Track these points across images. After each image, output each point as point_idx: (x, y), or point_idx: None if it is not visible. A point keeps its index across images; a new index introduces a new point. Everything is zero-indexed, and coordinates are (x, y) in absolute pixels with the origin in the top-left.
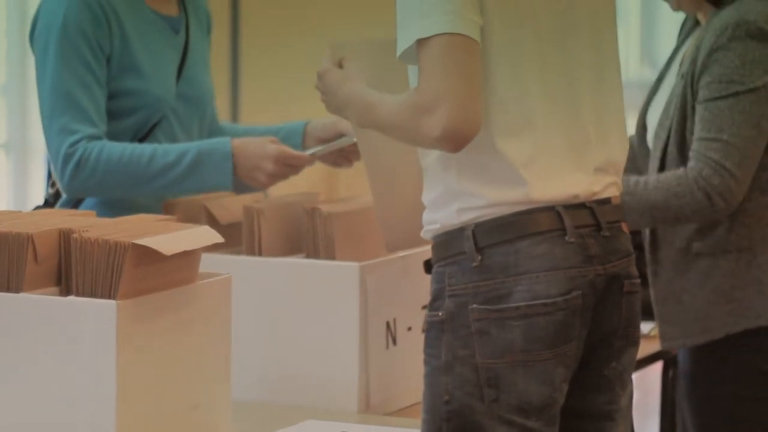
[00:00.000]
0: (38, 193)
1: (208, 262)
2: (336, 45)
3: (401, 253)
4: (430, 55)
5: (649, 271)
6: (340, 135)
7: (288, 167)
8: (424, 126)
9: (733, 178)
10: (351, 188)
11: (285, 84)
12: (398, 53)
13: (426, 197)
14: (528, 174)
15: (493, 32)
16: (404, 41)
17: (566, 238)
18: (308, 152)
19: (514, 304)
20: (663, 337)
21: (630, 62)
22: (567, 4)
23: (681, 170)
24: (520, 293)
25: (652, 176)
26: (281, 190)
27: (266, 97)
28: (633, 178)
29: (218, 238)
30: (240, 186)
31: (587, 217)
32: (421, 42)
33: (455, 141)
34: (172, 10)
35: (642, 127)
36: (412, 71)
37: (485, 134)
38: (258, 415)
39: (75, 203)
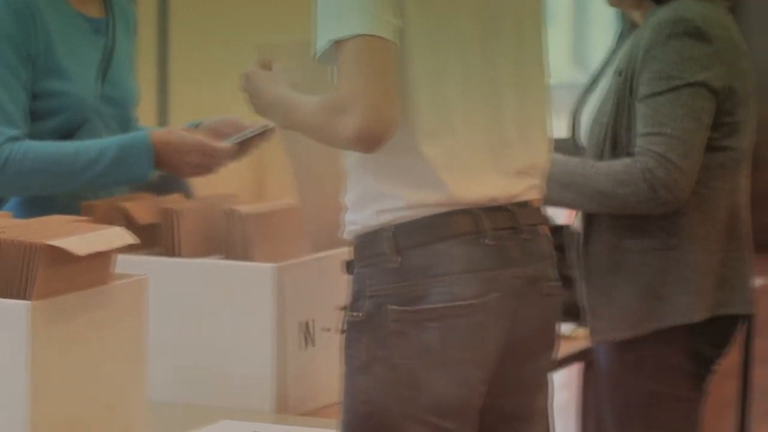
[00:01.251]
0: None
1: (125, 263)
2: (264, 47)
3: (318, 255)
4: (345, 56)
5: (580, 265)
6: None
7: (210, 158)
8: (338, 126)
9: (678, 170)
10: (280, 190)
11: (213, 87)
12: (317, 55)
13: (347, 198)
14: (447, 176)
15: (413, 34)
16: (321, 42)
17: (484, 240)
18: (227, 142)
19: (431, 306)
20: (593, 331)
21: (560, 65)
22: (490, 4)
23: (629, 159)
24: (438, 294)
25: (604, 162)
26: (207, 190)
27: (194, 99)
28: (590, 162)
29: (132, 239)
30: (174, 182)
31: (506, 219)
32: (337, 43)
33: (369, 142)
34: (97, 12)
35: (574, 126)
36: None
37: (404, 136)
38: (173, 416)
39: None
